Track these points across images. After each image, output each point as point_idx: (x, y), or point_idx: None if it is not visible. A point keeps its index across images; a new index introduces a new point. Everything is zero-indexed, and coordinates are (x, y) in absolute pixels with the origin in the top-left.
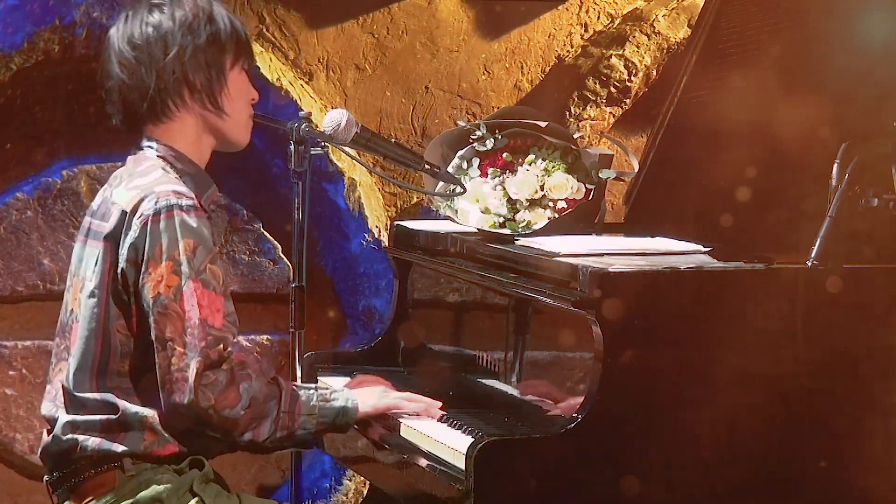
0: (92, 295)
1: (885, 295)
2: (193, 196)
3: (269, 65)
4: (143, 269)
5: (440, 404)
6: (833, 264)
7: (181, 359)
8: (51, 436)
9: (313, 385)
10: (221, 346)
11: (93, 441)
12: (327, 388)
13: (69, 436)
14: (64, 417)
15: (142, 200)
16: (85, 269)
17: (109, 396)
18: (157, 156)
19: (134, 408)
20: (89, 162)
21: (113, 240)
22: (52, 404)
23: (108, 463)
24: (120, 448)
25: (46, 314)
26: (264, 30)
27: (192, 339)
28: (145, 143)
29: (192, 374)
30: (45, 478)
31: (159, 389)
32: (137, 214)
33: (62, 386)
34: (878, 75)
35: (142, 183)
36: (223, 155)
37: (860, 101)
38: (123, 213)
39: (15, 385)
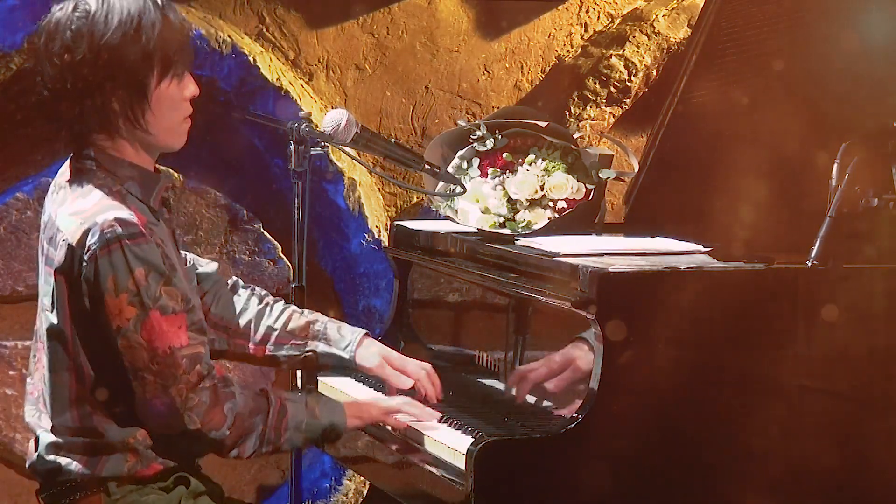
0: (57, 331)
1: (885, 295)
2: (136, 222)
3: (269, 65)
4: (100, 303)
5: (438, 416)
6: (833, 264)
7: (155, 387)
8: (36, 454)
9: (304, 396)
10: (198, 365)
11: (76, 465)
12: (318, 400)
13: (52, 457)
14: (46, 438)
15: (86, 233)
16: (43, 296)
17: (90, 421)
18: (97, 167)
19: (116, 428)
20: None
21: (66, 275)
22: (34, 409)
23: (92, 487)
24: (104, 472)
25: None
26: (264, 30)
27: (165, 369)
28: (84, 153)
29: (174, 400)
30: (37, 491)
31: (141, 416)
32: (84, 249)
33: (42, 397)
34: (877, 75)
35: (83, 208)
36: (223, 155)
37: (860, 101)
38: (70, 247)
39: (15, 385)
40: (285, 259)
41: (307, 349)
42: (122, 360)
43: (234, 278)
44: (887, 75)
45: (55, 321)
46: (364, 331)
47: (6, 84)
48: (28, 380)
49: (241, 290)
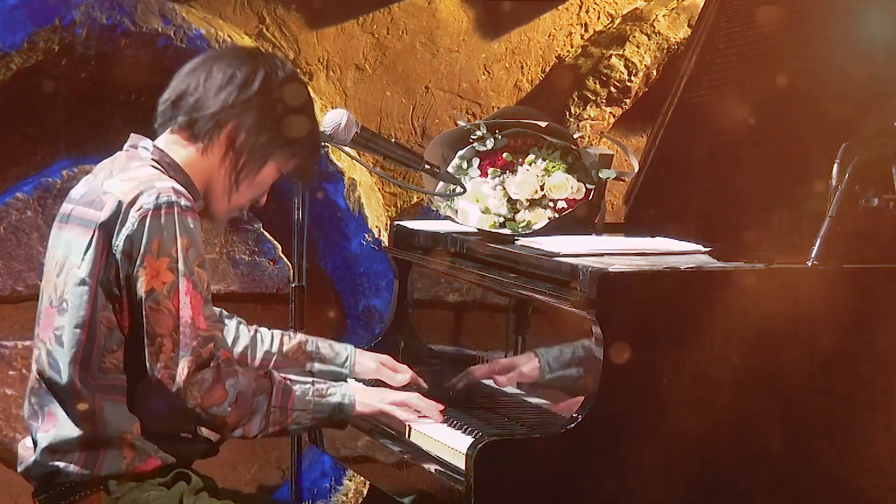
0: (82, 283)
1: (885, 295)
2: (191, 198)
3: None
4: (138, 262)
5: (441, 408)
6: (833, 264)
7: (169, 356)
8: (31, 460)
9: (310, 379)
10: (212, 344)
11: (74, 467)
12: (325, 383)
13: (50, 462)
14: (44, 440)
15: (141, 193)
16: (69, 254)
17: (92, 398)
18: (152, 158)
19: (114, 417)
20: (89, 162)
21: (106, 229)
22: (30, 407)
23: (91, 487)
24: (102, 471)
25: None
26: (264, 30)
27: (183, 339)
28: (142, 144)
29: (181, 372)
30: (34, 494)
31: (148, 384)
32: (136, 207)
33: (37, 376)
34: (878, 75)
35: (139, 176)
36: None
37: (860, 101)
38: (119, 203)
39: (15, 385)
40: (285, 259)
41: (305, 370)
42: (139, 326)
43: (219, 309)
44: (888, 75)
45: (83, 275)
46: (351, 346)
47: (6, 84)
48: (33, 363)
49: (227, 320)
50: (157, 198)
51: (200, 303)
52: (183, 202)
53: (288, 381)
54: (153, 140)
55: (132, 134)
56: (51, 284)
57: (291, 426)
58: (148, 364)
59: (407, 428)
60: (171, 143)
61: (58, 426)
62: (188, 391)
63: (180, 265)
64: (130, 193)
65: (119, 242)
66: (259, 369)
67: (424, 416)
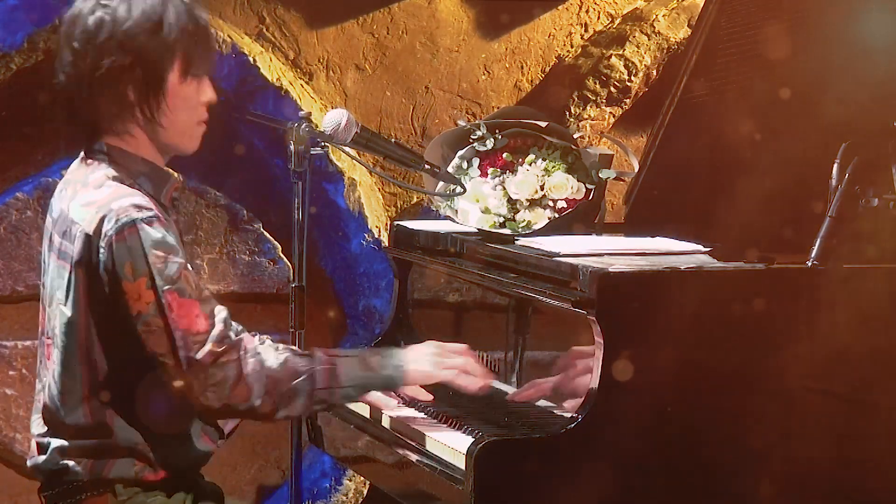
0: (70, 323)
1: (885, 295)
2: (152, 206)
3: (269, 65)
4: (119, 290)
5: (493, 377)
6: (833, 264)
7: (176, 371)
8: (41, 457)
9: (357, 351)
10: (212, 344)
11: (83, 467)
12: (375, 353)
13: (59, 461)
14: (54, 443)
15: (102, 220)
16: (55, 290)
17: (102, 416)
18: (108, 162)
19: (126, 431)
20: None
21: (83, 266)
22: (39, 419)
23: (99, 488)
24: (111, 474)
25: None
26: (264, 30)
27: (182, 352)
28: (96, 147)
29: (193, 382)
30: (40, 489)
31: (149, 388)
32: (101, 236)
33: (46, 405)
34: (878, 75)
35: (97, 198)
36: (223, 155)
37: (860, 101)
38: (87, 236)
39: (15, 385)
40: (285, 259)
41: None
42: (139, 351)
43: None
44: (888, 75)
45: (70, 314)
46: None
47: (6, 84)
48: (37, 385)
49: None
50: (117, 221)
51: (194, 305)
52: (144, 215)
53: (334, 360)
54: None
55: (81, 139)
56: (45, 315)
57: (339, 401)
58: (166, 384)
59: (409, 428)
60: (112, 134)
61: (68, 438)
62: (210, 393)
63: (158, 280)
64: (93, 223)
65: (98, 276)
66: None
67: (477, 381)
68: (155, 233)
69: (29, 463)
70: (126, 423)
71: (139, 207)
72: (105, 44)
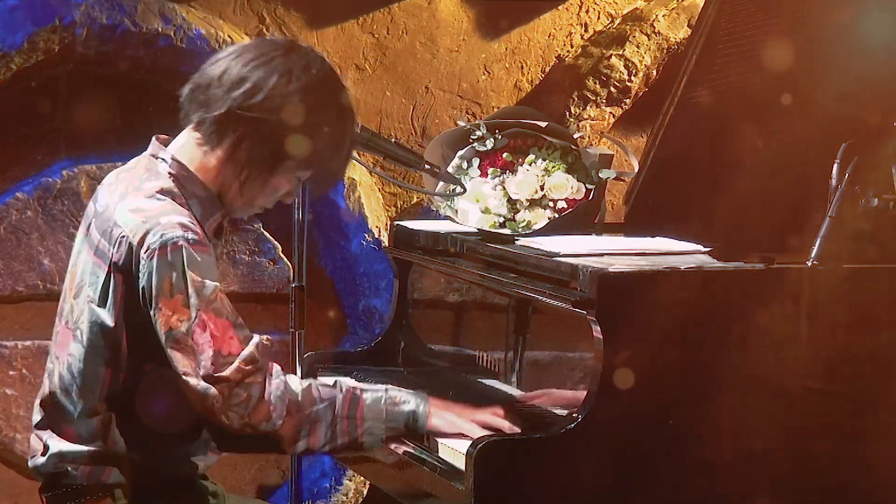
0: (102, 325)
1: (885, 295)
2: (198, 230)
3: None
4: (153, 306)
5: (518, 431)
6: (833, 264)
7: (198, 390)
8: (41, 461)
9: (384, 386)
10: (240, 363)
11: (82, 472)
12: (399, 390)
13: (59, 464)
14: (53, 446)
15: (147, 233)
16: (85, 283)
17: (111, 421)
18: (169, 173)
19: (126, 440)
20: (89, 162)
21: (124, 274)
22: (41, 416)
23: (98, 493)
24: (110, 480)
25: (46, 314)
26: (264, 30)
27: (206, 371)
28: (161, 153)
29: (215, 401)
30: (41, 489)
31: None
32: (144, 248)
33: (51, 394)
34: (878, 75)
35: (146, 208)
36: None
37: (861, 101)
38: (130, 245)
39: (15, 385)
40: (285, 259)
41: None
42: (163, 366)
43: None
44: (888, 75)
45: (104, 317)
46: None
47: (6, 84)
48: (48, 366)
49: None
50: (162, 236)
51: (227, 327)
52: (189, 236)
53: (357, 390)
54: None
55: (154, 140)
56: (68, 303)
57: (364, 437)
58: (189, 401)
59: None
60: (189, 142)
61: (69, 441)
62: (232, 413)
63: (194, 300)
64: (138, 232)
65: (137, 286)
66: None
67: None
68: (196, 256)
69: (30, 463)
70: (132, 431)
71: (185, 227)
72: (310, 98)
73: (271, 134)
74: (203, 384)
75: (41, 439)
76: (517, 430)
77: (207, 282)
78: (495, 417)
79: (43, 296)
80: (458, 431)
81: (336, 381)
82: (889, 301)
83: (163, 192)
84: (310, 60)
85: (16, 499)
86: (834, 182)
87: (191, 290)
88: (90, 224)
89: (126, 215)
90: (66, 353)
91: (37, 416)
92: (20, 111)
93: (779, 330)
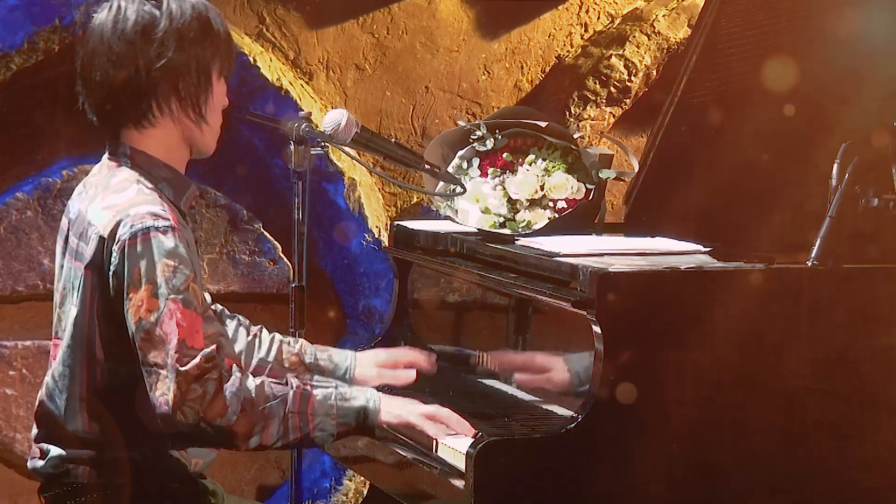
0: (75, 322)
1: (885, 295)
2: (170, 216)
3: (269, 65)
4: (125, 296)
5: (471, 429)
6: (833, 264)
7: (164, 382)
8: (39, 463)
9: (333, 382)
10: (200, 359)
11: (82, 471)
12: (348, 386)
13: (59, 466)
14: (54, 451)
15: (117, 224)
16: (69, 290)
17: (100, 421)
18: (132, 165)
19: (122, 439)
20: (89, 162)
21: (94, 268)
22: (38, 430)
23: (98, 492)
24: (109, 480)
25: (46, 314)
26: (264, 30)
27: (171, 361)
28: (120, 150)
29: (171, 394)
30: (40, 490)
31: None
32: (115, 240)
33: (44, 404)
34: (878, 75)
35: (117, 202)
36: (223, 155)
37: (861, 100)
38: (102, 239)
39: (15, 385)
40: (285, 259)
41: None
42: (135, 359)
43: (219, 306)
44: (888, 75)
45: (76, 312)
46: (351, 352)
47: (6, 84)
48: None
49: (227, 320)
50: (132, 227)
51: (196, 319)
52: (160, 224)
53: (308, 386)
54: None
55: (108, 144)
56: (55, 313)
57: (315, 433)
58: (150, 394)
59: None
60: (134, 132)
61: (69, 447)
62: (186, 409)
63: (163, 289)
64: (109, 226)
65: (111, 280)
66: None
67: (453, 431)
68: (168, 242)
69: (29, 465)
70: (122, 431)
71: (156, 216)
72: (164, 37)
73: (183, 61)
74: (167, 375)
75: (41, 448)
76: (465, 423)
77: (180, 269)
78: (443, 409)
79: (43, 296)
80: (407, 424)
81: (286, 379)
82: (889, 301)
83: (130, 181)
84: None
85: (16, 499)
86: (834, 182)
87: (160, 279)
88: (66, 235)
89: (98, 213)
90: (54, 363)
91: (34, 430)
92: (20, 111)
93: (779, 330)
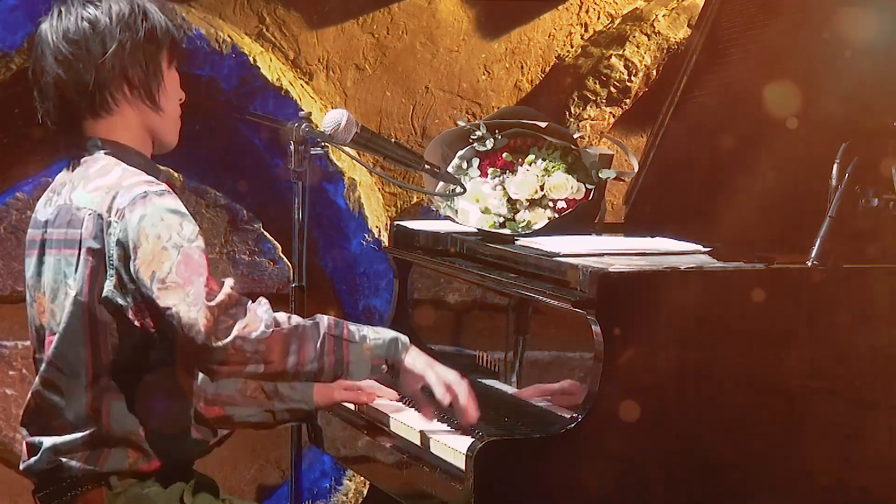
0: (79, 304)
1: (885, 295)
2: (163, 184)
3: (269, 65)
4: (133, 258)
5: (474, 416)
6: (833, 264)
7: (188, 316)
8: (33, 459)
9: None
10: (225, 296)
11: (77, 461)
12: (374, 328)
13: (53, 459)
14: (47, 442)
15: (114, 198)
16: (62, 278)
17: (101, 403)
18: (106, 153)
19: (122, 420)
20: None
21: (92, 248)
22: (32, 419)
23: (94, 482)
24: (105, 467)
25: None
26: (264, 30)
27: (195, 298)
28: (90, 143)
29: (202, 323)
30: (34, 492)
31: (150, 383)
32: (114, 211)
33: (42, 394)
34: (879, 75)
35: (105, 183)
36: (223, 155)
37: (860, 101)
38: (98, 216)
39: (15, 385)
40: (285, 259)
41: (265, 408)
42: (148, 322)
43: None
44: (888, 75)
45: (79, 297)
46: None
47: (6, 84)
48: (36, 382)
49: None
50: (130, 195)
51: (206, 268)
52: (155, 188)
53: (338, 318)
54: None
55: (69, 144)
56: (47, 312)
57: (350, 357)
58: (178, 340)
59: (407, 428)
60: (97, 125)
61: (61, 433)
62: (220, 331)
63: (172, 241)
64: (104, 202)
65: (112, 252)
66: (212, 403)
67: (462, 407)
68: (168, 202)
69: (22, 466)
70: (124, 411)
71: (150, 183)
72: (106, 32)
73: (129, 51)
74: (193, 312)
75: (33, 443)
76: (473, 407)
77: (185, 223)
78: (462, 384)
79: None
80: (425, 375)
81: (315, 315)
82: (889, 301)
83: (111, 165)
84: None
85: (16, 499)
86: (834, 182)
87: (167, 233)
88: (42, 237)
89: (87, 196)
90: (48, 352)
91: (27, 419)
92: (20, 111)
93: (779, 330)
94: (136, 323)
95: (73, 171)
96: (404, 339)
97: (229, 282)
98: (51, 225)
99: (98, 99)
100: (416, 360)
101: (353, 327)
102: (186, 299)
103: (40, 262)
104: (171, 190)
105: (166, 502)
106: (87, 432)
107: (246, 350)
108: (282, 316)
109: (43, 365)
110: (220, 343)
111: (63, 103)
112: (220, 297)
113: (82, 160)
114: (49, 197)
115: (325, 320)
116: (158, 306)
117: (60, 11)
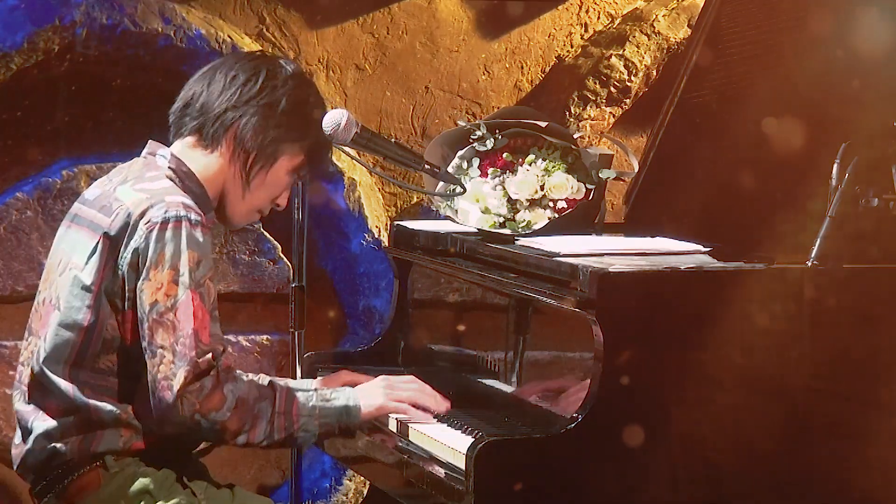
0: (84, 288)
1: (885, 295)
2: (201, 213)
3: None
4: (143, 275)
5: (447, 405)
6: (833, 264)
7: (169, 367)
8: (26, 450)
9: (314, 386)
10: (210, 355)
11: (71, 445)
12: (328, 389)
13: (45, 446)
14: (39, 427)
15: (150, 206)
16: (73, 255)
17: (88, 382)
18: (169, 167)
19: (104, 406)
20: (89, 162)
21: (113, 239)
22: (20, 396)
23: (89, 464)
24: (99, 448)
25: None
26: (264, 30)
27: (182, 349)
28: (160, 152)
29: (178, 382)
30: (30, 488)
31: (149, 395)
32: (144, 220)
33: (31, 371)
34: (878, 75)
35: (151, 188)
36: None
37: (861, 100)
38: (129, 214)
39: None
40: (285, 259)
41: None
42: (140, 339)
43: None
44: (888, 75)
45: (83, 277)
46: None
47: (6, 84)
48: (19, 367)
49: None
50: (166, 212)
51: (207, 318)
52: (192, 216)
53: (291, 388)
54: (168, 146)
55: (150, 141)
56: (52, 282)
57: (299, 433)
58: (149, 376)
59: (409, 428)
60: (185, 149)
61: (53, 415)
62: (185, 399)
63: (185, 278)
64: (140, 206)
65: (126, 255)
66: None
67: (428, 413)
68: (197, 235)
69: (15, 467)
70: (113, 392)
71: (188, 208)
72: (268, 86)
73: (268, 119)
74: (177, 364)
75: (25, 425)
76: (438, 397)
77: (203, 263)
78: (419, 394)
79: None
80: (386, 411)
81: (270, 381)
82: (889, 301)
83: (163, 178)
84: (280, 61)
85: (16, 499)
86: (834, 182)
87: (184, 268)
88: (76, 214)
89: (130, 192)
90: (47, 327)
91: (18, 398)
92: (20, 111)
93: (779, 330)
94: (126, 331)
95: (131, 167)
96: (353, 400)
97: (219, 339)
98: (88, 203)
99: (206, 124)
100: (371, 408)
101: (303, 399)
102: (174, 346)
103: (63, 236)
104: (207, 225)
105: (164, 478)
106: (77, 415)
107: (202, 426)
108: (241, 383)
109: (42, 339)
110: (180, 414)
111: (183, 105)
112: (208, 356)
113: (145, 161)
114: (110, 177)
115: (277, 395)
116: (146, 333)
117: (252, 55)
